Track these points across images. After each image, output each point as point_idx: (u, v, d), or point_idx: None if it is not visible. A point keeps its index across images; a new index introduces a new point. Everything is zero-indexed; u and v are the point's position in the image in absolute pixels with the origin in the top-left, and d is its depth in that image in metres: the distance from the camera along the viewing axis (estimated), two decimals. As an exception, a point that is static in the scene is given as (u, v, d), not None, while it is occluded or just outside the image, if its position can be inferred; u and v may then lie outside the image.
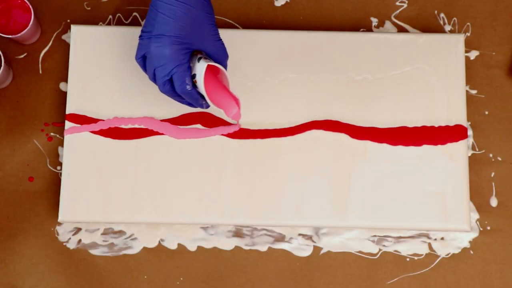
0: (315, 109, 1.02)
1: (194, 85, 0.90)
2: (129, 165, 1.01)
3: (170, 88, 0.90)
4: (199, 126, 1.02)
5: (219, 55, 0.92)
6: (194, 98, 0.91)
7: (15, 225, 1.02)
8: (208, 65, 0.89)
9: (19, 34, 1.01)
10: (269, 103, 1.02)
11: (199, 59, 0.89)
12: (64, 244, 1.02)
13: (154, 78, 0.90)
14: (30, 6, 1.01)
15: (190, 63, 0.90)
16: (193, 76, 0.90)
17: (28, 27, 1.00)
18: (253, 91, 1.02)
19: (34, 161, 1.04)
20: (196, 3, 0.86)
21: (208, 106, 0.94)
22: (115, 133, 1.01)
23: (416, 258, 1.03)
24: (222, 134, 1.01)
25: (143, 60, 0.91)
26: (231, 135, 1.01)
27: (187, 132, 1.01)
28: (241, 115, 0.97)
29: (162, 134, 1.01)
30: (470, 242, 1.03)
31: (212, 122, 1.02)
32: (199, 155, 1.01)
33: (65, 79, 1.06)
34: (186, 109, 1.02)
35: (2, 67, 0.99)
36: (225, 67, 0.94)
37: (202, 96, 0.92)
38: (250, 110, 1.02)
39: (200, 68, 0.89)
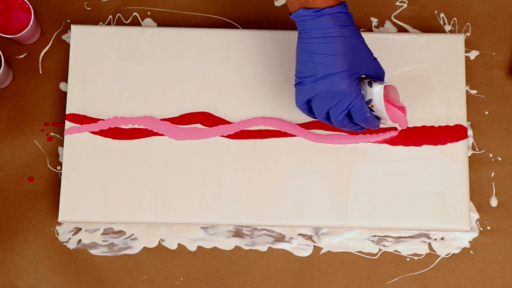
0: (315, 109, 1.02)
1: (371, 109, 0.90)
2: (129, 165, 1.00)
3: (349, 121, 0.89)
4: (199, 125, 1.01)
5: (378, 72, 0.90)
6: (372, 122, 0.90)
7: (15, 225, 1.02)
8: (384, 86, 0.88)
9: (19, 34, 1.00)
10: (269, 103, 1.02)
11: (369, 83, 0.89)
12: (64, 244, 1.02)
13: (326, 117, 0.89)
14: (30, 6, 1.01)
15: (362, 90, 0.89)
16: (368, 102, 0.89)
17: (28, 27, 1.00)
18: (253, 91, 1.02)
19: (34, 161, 1.04)
20: (350, 32, 0.85)
21: (379, 126, 0.92)
22: (115, 133, 1.01)
23: (416, 258, 1.02)
24: (222, 135, 1.01)
25: (307, 104, 0.89)
26: (231, 136, 1.01)
27: (187, 133, 1.01)
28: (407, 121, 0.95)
29: (162, 135, 1.01)
30: (470, 242, 1.03)
31: (212, 121, 1.01)
32: (199, 155, 1.01)
33: (65, 79, 1.06)
34: (186, 109, 1.02)
35: (2, 67, 0.99)
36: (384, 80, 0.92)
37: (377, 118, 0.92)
38: (250, 110, 1.02)
39: (377, 91, 0.88)
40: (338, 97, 0.86)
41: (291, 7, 0.87)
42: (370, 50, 0.89)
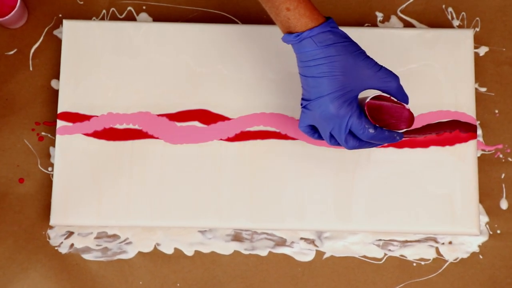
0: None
1: (375, 126, 0.86)
2: (124, 165, 1.00)
3: (356, 142, 0.86)
4: (197, 123, 1.00)
5: (387, 82, 0.86)
6: (383, 137, 0.86)
7: (4, 228, 1.01)
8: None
9: (5, 17, 0.99)
10: (269, 100, 1.01)
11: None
12: (56, 248, 1.01)
13: (333, 141, 0.87)
14: None
15: (365, 107, 0.86)
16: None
17: (15, 9, 0.99)
18: (252, 88, 1.02)
19: (25, 161, 1.03)
20: (337, 51, 0.83)
21: (402, 136, 0.88)
22: (109, 134, 1.00)
23: (423, 263, 1.01)
24: (221, 139, 1.00)
25: (308, 128, 0.89)
26: (230, 139, 1.00)
27: (184, 136, 1.00)
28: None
29: (158, 138, 1.00)
30: (479, 246, 1.02)
31: (210, 119, 1.01)
32: (197, 156, 1.00)
33: (56, 76, 1.05)
34: (183, 107, 1.01)
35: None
36: (398, 87, 0.87)
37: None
38: (249, 108, 1.01)
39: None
40: (333, 120, 0.85)
41: (281, 30, 0.87)
42: (372, 62, 0.85)
